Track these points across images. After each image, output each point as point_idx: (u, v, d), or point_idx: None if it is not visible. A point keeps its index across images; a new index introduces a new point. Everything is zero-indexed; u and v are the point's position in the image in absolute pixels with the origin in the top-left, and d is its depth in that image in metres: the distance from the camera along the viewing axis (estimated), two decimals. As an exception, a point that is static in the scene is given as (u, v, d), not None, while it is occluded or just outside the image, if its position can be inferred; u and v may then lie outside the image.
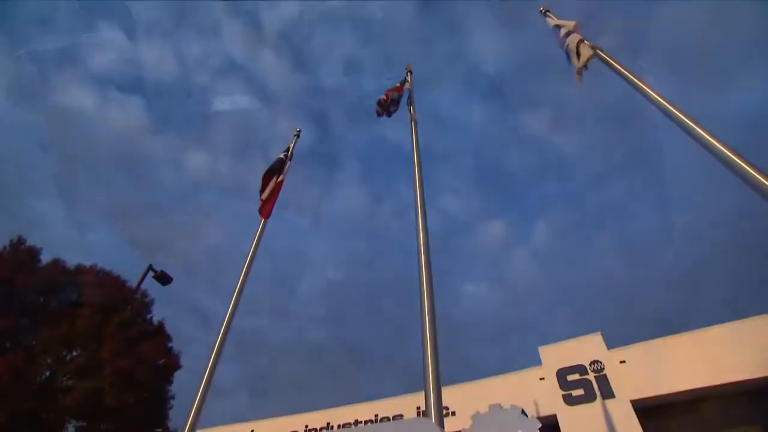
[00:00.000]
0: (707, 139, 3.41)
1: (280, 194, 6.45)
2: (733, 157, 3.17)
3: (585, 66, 5.17)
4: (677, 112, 3.80)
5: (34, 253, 14.48)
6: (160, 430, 15.44)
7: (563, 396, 15.34)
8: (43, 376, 13.17)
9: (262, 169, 6.84)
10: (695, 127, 3.57)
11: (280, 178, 6.65)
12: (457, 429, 1.73)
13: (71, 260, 15.49)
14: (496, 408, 1.67)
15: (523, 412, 1.61)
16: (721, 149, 3.24)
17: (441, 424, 2.06)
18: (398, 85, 7.35)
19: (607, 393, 14.67)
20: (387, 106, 6.95)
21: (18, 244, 14.53)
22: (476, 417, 1.70)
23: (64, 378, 13.19)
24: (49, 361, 13.16)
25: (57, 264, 14.88)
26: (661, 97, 4.06)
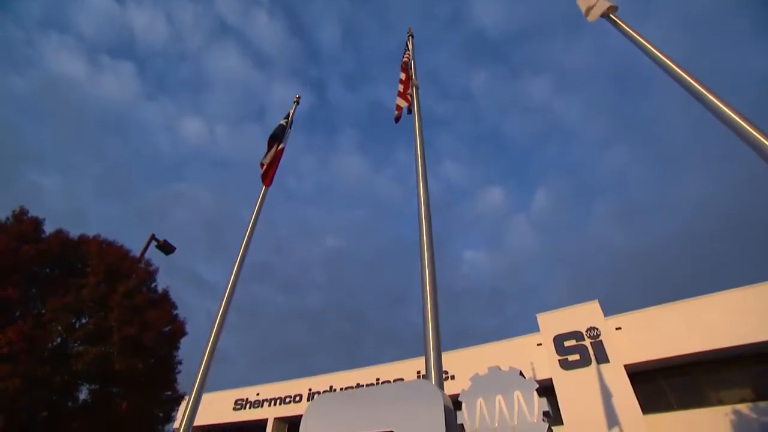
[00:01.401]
0: (716, 103, 3.30)
1: (280, 162, 6.39)
2: (742, 123, 3.08)
3: (607, 13, 4.95)
4: (685, 75, 3.66)
5: (37, 223, 14.52)
6: (169, 392, 16.01)
7: (559, 361, 15.82)
8: (55, 343, 13.53)
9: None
10: (704, 90, 3.44)
11: (280, 147, 6.55)
12: (457, 392, 1.78)
13: (69, 230, 15.57)
14: (494, 369, 1.70)
15: (520, 373, 1.65)
16: (729, 114, 3.14)
17: (441, 387, 2.11)
18: (403, 62, 6.92)
19: (602, 358, 15.12)
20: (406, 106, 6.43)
21: (20, 215, 14.55)
22: (475, 378, 1.74)
23: (75, 344, 13.55)
24: (59, 328, 13.47)
25: (60, 234, 14.96)
26: (668, 59, 3.91)
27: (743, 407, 13.46)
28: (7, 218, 14.31)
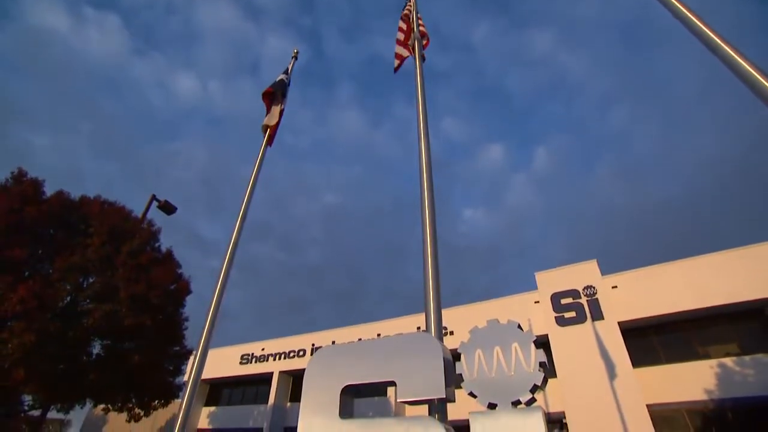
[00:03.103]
0: (731, 55, 3.14)
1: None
2: (757, 76, 2.94)
3: None
4: (698, 22, 3.46)
5: (37, 185, 14.49)
6: (178, 347, 16.66)
7: (556, 318, 16.31)
8: (65, 301, 13.92)
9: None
10: (719, 41, 3.27)
11: (282, 106, 6.36)
12: (455, 347, 1.83)
13: (69, 191, 15.54)
14: (493, 322, 1.76)
15: (519, 326, 1.70)
16: (745, 67, 3.00)
17: (440, 340, 2.18)
18: (404, 14, 6.53)
19: (597, 315, 15.57)
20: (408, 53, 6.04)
21: (20, 176, 14.49)
22: (474, 331, 1.80)
23: (84, 302, 13.94)
24: (68, 287, 13.80)
25: (61, 196, 14.97)
26: (680, 4, 3.68)
27: (728, 361, 14.05)
28: (7, 179, 14.26)
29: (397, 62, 5.82)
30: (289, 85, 6.75)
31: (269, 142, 5.83)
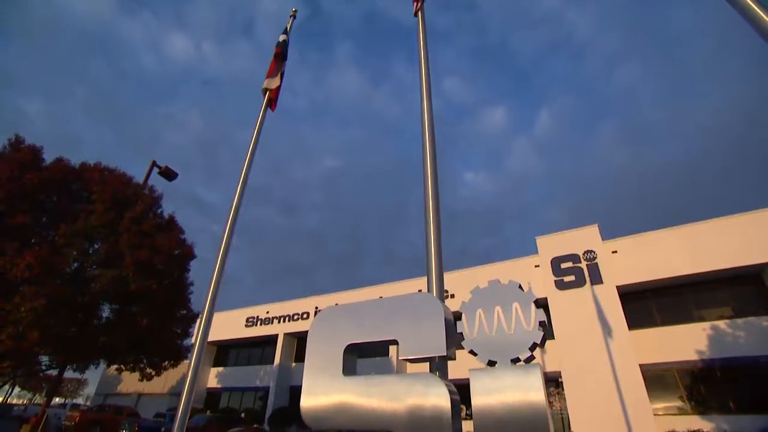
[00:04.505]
0: (750, 6, 2.97)
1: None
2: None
3: None
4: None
5: (35, 152, 14.34)
6: (184, 311, 17.09)
7: (555, 281, 16.56)
8: (72, 267, 14.15)
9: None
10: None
11: (282, 69, 6.14)
12: (456, 309, 1.87)
13: (69, 158, 15.42)
14: (494, 283, 1.78)
15: (519, 287, 1.72)
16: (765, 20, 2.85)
17: (442, 301, 2.21)
18: None
19: (596, 279, 15.80)
20: None
21: (17, 143, 14.32)
22: (475, 290, 1.82)
23: (91, 268, 14.18)
24: (74, 253, 13.98)
25: (61, 163, 14.86)
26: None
27: (721, 323, 14.41)
28: (4, 146, 14.11)
29: (416, 5, 5.24)
30: (288, 46, 6.51)
31: (270, 105, 5.68)
